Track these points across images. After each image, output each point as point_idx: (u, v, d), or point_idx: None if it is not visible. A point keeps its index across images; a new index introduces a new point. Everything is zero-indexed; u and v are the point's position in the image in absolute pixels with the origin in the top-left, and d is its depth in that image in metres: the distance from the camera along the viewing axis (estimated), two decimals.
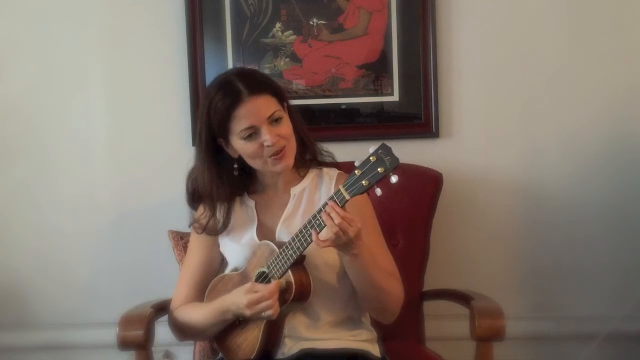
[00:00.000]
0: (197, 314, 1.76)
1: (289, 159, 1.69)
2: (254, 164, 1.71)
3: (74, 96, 2.45)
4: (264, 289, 1.59)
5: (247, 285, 1.63)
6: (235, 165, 1.75)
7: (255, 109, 1.65)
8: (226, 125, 1.67)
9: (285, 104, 1.74)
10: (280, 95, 1.72)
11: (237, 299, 1.63)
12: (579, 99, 2.39)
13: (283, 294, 1.61)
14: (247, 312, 1.60)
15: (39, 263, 2.48)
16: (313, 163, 1.81)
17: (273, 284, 1.59)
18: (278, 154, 1.67)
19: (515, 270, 2.44)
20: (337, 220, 1.48)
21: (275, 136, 1.65)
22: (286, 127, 1.69)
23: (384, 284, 1.66)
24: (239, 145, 1.69)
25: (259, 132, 1.65)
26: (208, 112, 1.68)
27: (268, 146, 1.65)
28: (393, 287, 1.70)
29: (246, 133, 1.66)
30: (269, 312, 1.58)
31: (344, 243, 1.52)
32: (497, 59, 2.39)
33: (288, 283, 1.61)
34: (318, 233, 1.53)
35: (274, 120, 1.67)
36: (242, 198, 1.81)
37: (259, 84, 1.69)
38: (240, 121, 1.65)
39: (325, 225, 1.51)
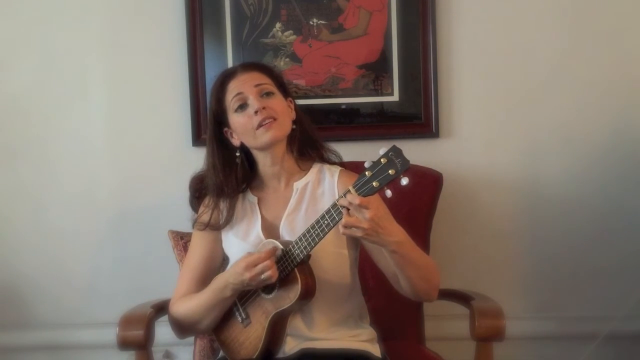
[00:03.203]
0: (196, 300, 1.75)
1: (278, 131, 1.71)
2: (248, 140, 1.73)
3: (75, 96, 2.45)
4: (261, 252, 1.60)
5: (244, 254, 1.64)
6: (238, 154, 1.77)
7: (244, 79, 1.74)
8: (222, 101, 1.75)
9: (289, 100, 1.78)
10: (279, 81, 1.78)
11: (234, 267, 1.64)
12: (578, 98, 2.39)
13: (289, 294, 1.62)
14: (247, 275, 1.60)
15: (39, 263, 2.48)
16: (317, 160, 1.81)
17: (270, 247, 1.61)
18: (266, 124, 1.69)
19: (515, 270, 2.45)
20: (351, 204, 1.46)
21: (262, 104, 1.69)
22: (277, 102, 1.73)
23: (428, 261, 1.67)
24: (234, 121, 1.73)
25: (248, 101, 1.71)
26: (210, 96, 1.79)
27: (256, 112, 1.69)
28: (433, 261, 1.70)
29: (236, 103, 1.72)
30: (268, 273, 1.58)
31: (366, 230, 1.49)
32: (496, 59, 2.40)
33: (294, 282, 1.61)
34: (326, 234, 1.54)
35: (264, 94, 1.72)
36: (244, 194, 1.82)
37: (255, 64, 1.82)
38: (232, 92, 1.73)
39: (333, 226, 1.52)
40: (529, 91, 2.40)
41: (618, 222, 2.41)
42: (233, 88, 1.73)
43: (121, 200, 2.46)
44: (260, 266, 1.58)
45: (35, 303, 2.49)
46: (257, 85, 1.72)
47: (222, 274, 1.71)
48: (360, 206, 1.46)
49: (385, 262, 1.65)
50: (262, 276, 1.59)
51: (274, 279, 1.60)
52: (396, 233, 1.55)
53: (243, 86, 1.72)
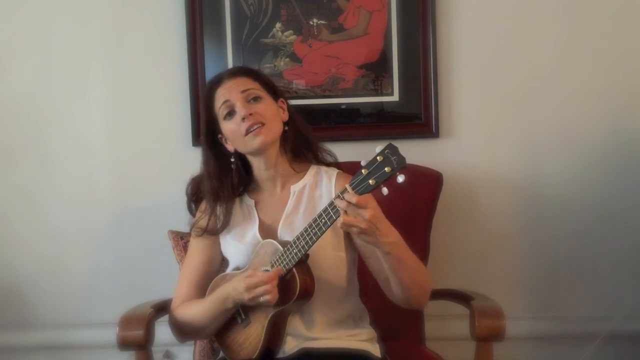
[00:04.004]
0: (197, 308, 1.76)
1: (267, 136, 1.70)
2: (239, 146, 1.74)
3: (75, 96, 2.45)
4: (264, 274, 1.59)
5: (248, 271, 1.64)
6: (233, 159, 1.77)
7: (230, 86, 1.74)
8: (212, 109, 1.76)
9: (281, 100, 1.78)
10: (267, 83, 1.78)
11: (236, 284, 1.64)
12: (579, 99, 2.39)
13: (287, 293, 1.61)
14: (245, 296, 1.60)
15: (39, 263, 2.48)
16: (313, 161, 1.81)
17: (274, 270, 1.60)
18: (254, 131, 1.68)
19: (515, 270, 2.44)
20: (349, 204, 1.45)
21: (249, 110, 1.69)
22: (264, 107, 1.72)
23: (420, 266, 1.66)
24: (224, 129, 1.74)
25: (235, 108, 1.71)
26: (201, 104, 1.81)
27: (243, 119, 1.69)
28: (425, 267, 1.70)
29: (224, 110, 1.73)
30: (267, 297, 1.58)
31: (363, 230, 1.49)
32: (496, 59, 2.40)
33: (292, 281, 1.61)
34: (324, 232, 1.54)
35: (252, 99, 1.72)
36: (241, 198, 1.82)
37: (241, 69, 1.83)
38: (219, 100, 1.74)
39: (330, 224, 1.52)
40: (529, 91, 2.40)
41: (618, 222, 2.41)
42: (220, 96, 1.74)
43: (121, 201, 2.46)
44: (260, 289, 1.58)
45: (35, 303, 2.49)
46: (243, 91, 1.72)
47: (224, 286, 1.70)
48: (358, 206, 1.46)
49: (379, 266, 1.65)
50: (261, 299, 1.59)
51: (273, 302, 1.59)
52: (392, 234, 1.55)
53: (229, 93, 1.72)
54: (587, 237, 2.42)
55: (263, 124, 1.69)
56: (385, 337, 1.84)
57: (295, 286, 1.61)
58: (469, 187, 2.40)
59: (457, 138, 2.41)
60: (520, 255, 2.44)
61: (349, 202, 1.46)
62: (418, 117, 2.40)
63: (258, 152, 1.73)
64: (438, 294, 2.16)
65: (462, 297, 1.98)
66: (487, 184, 2.41)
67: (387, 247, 1.55)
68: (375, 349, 1.77)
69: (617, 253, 2.41)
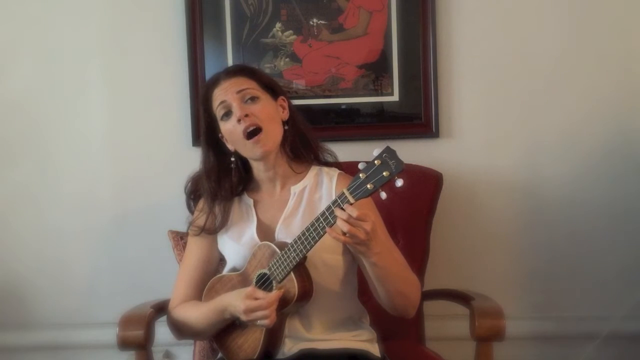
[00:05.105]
0: (195, 313, 1.76)
1: (268, 144, 1.69)
2: (240, 149, 1.73)
3: (75, 96, 2.46)
4: (264, 297, 1.58)
5: (248, 290, 1.62)
6: (233, 159, 1.76)
7: (226, 87, 1.72)
8: (210, 111, 1.75)
9: (282, 99, 1.77)
10: (265, 82, 1.76)
11: (235, 302, 1.63)
12: (579, 99, 2.39)
13: (285, 296, 1.61)
14: (243, 318, 1.61)
15: (39, 263, 2.48)
16: (314, 162, 1.80)
17: (274, 294, 1.58)
18: (253, 135, 1.67)
19: (515, 270, 2.44)
20: (350, 217, 1.46)
21: (244, 111, 1.68)
22: (261, 108, 1.70)
23: (408, 276, 1.67)
24: (223, 129, 1.73)
25: (232, 109, 1.70)
26: (200, 105, 1.80)
27: (238, 120, 1.68)
28: (414, 278, 1.70)
29: (221, 111, 1.72)
30: (264, 322, 1.58)
31: (362, 241, 1.49)
32: (497, 59, 2.39)
33: (290, 286, 1.61)
34: (322, 236, 1.53)
35: (248, 99, 1.70)
36: (240, 197, 1.81)
37: (238, 69, 1.80)
38: (216, 101, 1.73)
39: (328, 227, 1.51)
40: (529, 91, 2.40)
41: (618, 222, 2.41)
42: (217, 97, 1.73)
43: (121, 201, 2.46)
44: (258, 314, 1.57)
45: (35, 303, 2.49)
46: (239, 91, 1.71)
47: (222, 297, 1.70)
48: (358, 219, 1.46)
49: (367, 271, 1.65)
50: (258, 322, 1.59)
51: (269, 327, 1.60)
52: (380, 245, 1.54)
53: (226, 94, 1.71)
54: (587, 237, 2.42)
55: (261, 128, 1.68)
56: (385, 337, 1.84)
57: (293, 289, 1.61)
58: (469, 187, 2.39)
59: (457, 138, 2.41)
60: (521, 255, 2.44)
61: (350, 216, 1.45)
62: (418, 117, 2.40)
63: (259, 159, 1.73)
64: (438, 294, 2.17)
65: (462, 297, 1.98)
66: (487, 184, 2.41)
67: (374, 257, 1.55)
68: (374, 349, 1.77)
69: (617, 253, 2.41)
